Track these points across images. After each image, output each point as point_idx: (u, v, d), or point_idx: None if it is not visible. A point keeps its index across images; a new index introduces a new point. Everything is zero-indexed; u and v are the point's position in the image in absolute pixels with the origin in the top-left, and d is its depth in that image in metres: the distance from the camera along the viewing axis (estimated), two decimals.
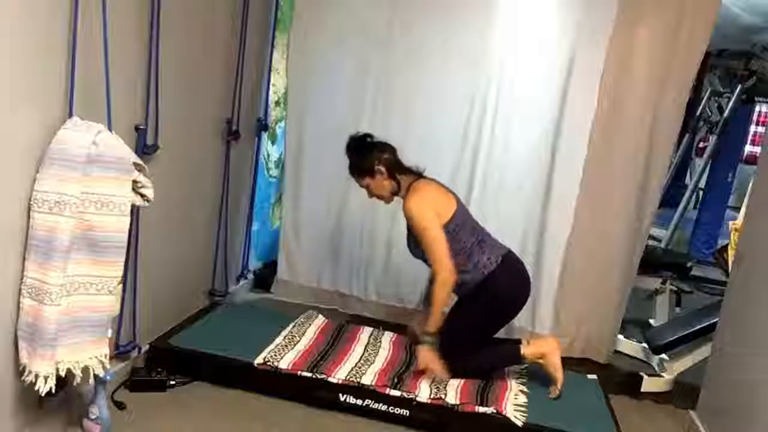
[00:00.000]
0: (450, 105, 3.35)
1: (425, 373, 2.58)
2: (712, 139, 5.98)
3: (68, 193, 1.82)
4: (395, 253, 3.50)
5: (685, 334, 3.18)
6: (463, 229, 2.63)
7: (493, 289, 2.62)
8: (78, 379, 1.99)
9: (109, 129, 2.00)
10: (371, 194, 2.78)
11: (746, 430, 2.31)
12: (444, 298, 2.57)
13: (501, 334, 2.84)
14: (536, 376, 2.75)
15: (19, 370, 1.89)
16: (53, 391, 1.88)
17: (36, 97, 1.82)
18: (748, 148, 9.79)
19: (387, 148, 2.74)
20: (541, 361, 2.68)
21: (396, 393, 2.48)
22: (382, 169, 2.69)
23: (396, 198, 2.76)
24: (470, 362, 2.66)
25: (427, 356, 2.58)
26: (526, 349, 2.67)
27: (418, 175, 2.75)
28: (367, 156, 2.70)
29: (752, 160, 9.06)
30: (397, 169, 2.72)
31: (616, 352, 3.52)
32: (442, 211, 2.61)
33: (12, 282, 1.85)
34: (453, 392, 2.52)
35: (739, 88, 5.66)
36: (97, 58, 2.00)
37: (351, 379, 2.53)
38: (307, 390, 2.54)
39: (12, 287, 1.85)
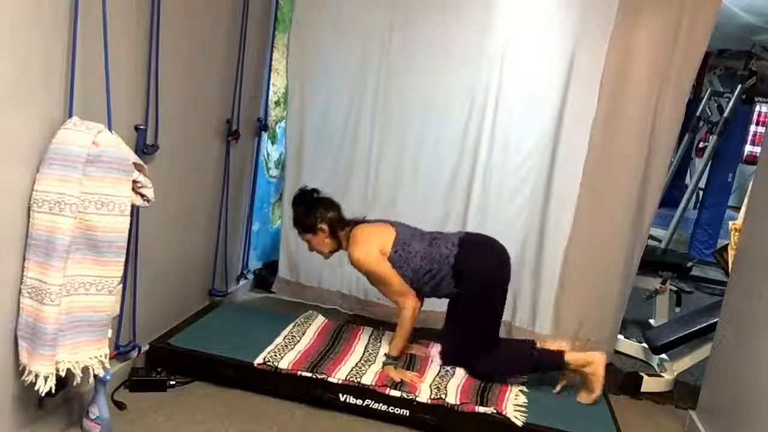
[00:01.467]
0: (450, 105, 3.35)
1: (403, 382, 2.56)
2: (712, 139, 5.98)
3: (68, 193, 1.82)
4: None
5: (685, 334, 3.18)
6: (411, 242, 2.66)
7: (468, 271, 2.62)
8: (78, 379, 1.99)
9: (109, 129, 2.00)
10: (311, 249, 2.81)
11: (746, 430, 2.31)
12: (409, 327, 2.65)
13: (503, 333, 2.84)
14: (536, 376, 2.75)
15: (19, 370, 1.89)
16: (53, 391, 1.88)
17: (36, 97, 1.82)
18: (748, 148, 9.80)
19: (332, 206, 2.77)
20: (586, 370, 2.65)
21: (396, 393, 2.48)
22: (325, 227, 2.72)
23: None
24: (505, 368, 2.68)
25: (394, 373, 2.59)
26: (569, 356, 2.66)
27: (357, 222, 2.77)
28: (312, 213, 2.73)
29: (752, 160, 9.08)
30: (339, 227, 2.74)
31: (616, 352, 3.52)
32: (385, 244, 2.65)
33: (12, 282, 1.85)
34: (453, 392, 2.52)
35: (739, 88, 5.66)
36: (97, 58, 2.00)
37: (351, 379, 2.53)
38: (307, 390, 2.54)
39: (12, 287, 1.85)
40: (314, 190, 2.81)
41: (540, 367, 2.70)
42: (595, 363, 2.64)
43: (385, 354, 2.70)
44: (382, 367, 2.62)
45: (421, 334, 3.12)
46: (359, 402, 2.50)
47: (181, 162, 2.71)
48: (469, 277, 2.64)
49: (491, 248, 2.75)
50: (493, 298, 2.70)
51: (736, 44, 6.14)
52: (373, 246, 2.64)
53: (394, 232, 2.69)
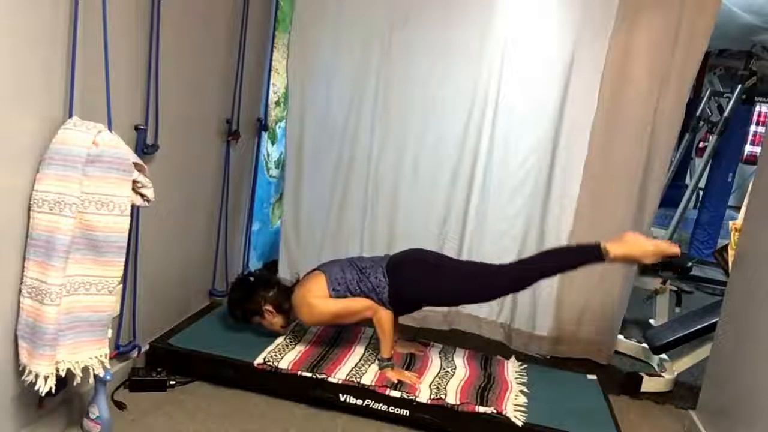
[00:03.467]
0: (450, 104, 3.35)
1: (402, 382, 2.56)
2: (712, 139, 5.97)
3: (68, 193, 1.82)
4: None
5: (685, 334, 3.18)
6: (344, 274, 2.65)
7: (408, 293, 2.66)
8: (78, 379, 1.99)
9: (109, 129, 2.00)
10: (264, 328, 2.81)
11: (746, 430, 2.31)
12: (389, 330, 2.63)
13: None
14: (536, 376, 2.75)
15: (19, 370, 1.89)
16: (53, 391, 1.88)
17: (36, 97, 1.83)
18: (748, 148, 9.79)
19: (270, 283, 2.79)
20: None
21: (396, 393, 2.48)
22: (270, 308, 2.73)
23: None
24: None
25: (391, 374, 2.58)
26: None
27: (292, 288, 2.76)
28: (252, 299, 2.74)
29: (752, 160, 9.07)
30: (284, 299, 2.73)
31: (616, 352, 3.52)
32: (321, 290, 2.63)
33: (12, 282, 1.85)
34: (453, 392, 2.52)
35: (739, 88, 5.65)
36: (97, 58, 2.00)
37: (351, 379, 2.53)
38: (307, 390, 2.54)
39: (12, 287, 1.85)
40: (250, 273, 2.86)
41: (580, 253, 2.67)
42: (638, 245, 2.58)
43: (378, 358, 2.69)
44: (379, 369, 2.62)
45: (421, 334, 3.12)
46: (359, 402, 2.50)
47: (181, 162, 2.71)
48: (411, 294, 2.68)
49: (415, 264, 2.73)
50: (437, 269, 2.69)
51: (736, 44, 6.15)
52: (312, 299, 2.63)
53: (322, 276, 2.68)
